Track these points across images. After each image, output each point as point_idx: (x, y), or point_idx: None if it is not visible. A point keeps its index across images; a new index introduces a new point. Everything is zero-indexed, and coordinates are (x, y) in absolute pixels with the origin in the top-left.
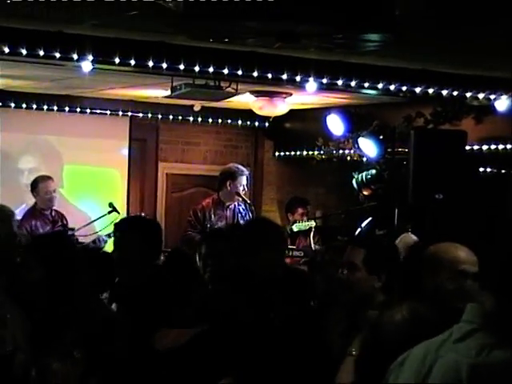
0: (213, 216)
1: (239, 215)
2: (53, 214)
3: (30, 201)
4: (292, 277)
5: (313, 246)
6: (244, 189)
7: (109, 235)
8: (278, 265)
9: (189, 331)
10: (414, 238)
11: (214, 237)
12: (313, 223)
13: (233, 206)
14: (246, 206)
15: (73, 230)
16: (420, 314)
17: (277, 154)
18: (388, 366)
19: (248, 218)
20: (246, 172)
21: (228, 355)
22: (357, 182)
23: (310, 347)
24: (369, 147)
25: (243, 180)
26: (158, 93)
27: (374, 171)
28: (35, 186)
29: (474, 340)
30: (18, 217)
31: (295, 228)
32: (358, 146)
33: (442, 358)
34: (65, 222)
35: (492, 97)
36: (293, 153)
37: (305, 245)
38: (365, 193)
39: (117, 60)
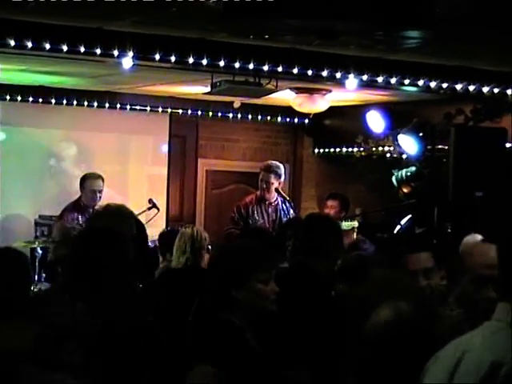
0: (255, 213)
1: (282, 212)
2: (94, 209)
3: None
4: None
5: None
6: (266, 186)
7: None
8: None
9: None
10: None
11: (250, 235)
12: (356, 223)
13: (275, 203)
14: (286, 202)
15: None
16: (403, 314)
17: (316, 150)
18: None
19: (290, 215)
20: (273, 168)
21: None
22: (396, 180)
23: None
24: (409, 144)
25: (265, 176)
26: (197, 89)
27: (413, 168)
28: (83, 181)
29: (500, 338)
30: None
31: None
32: (398, 144)
33: (468, 353)
34: None
35: None
36: (332, 150)
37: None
38: (404, 190)
39: (157, 56)
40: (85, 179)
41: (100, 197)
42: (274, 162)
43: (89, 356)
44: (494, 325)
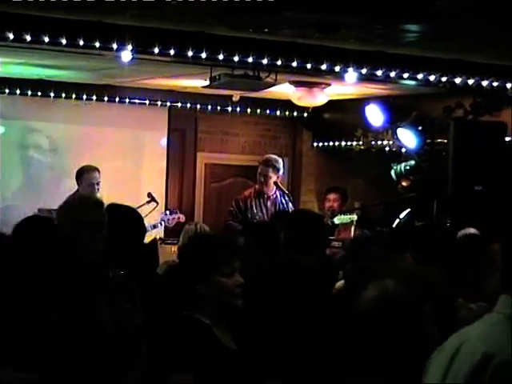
0: (254, 206)
1: (280, 206)
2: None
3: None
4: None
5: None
6: (264, 180)
7: (154, 226)
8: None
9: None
10: (474, 232)
11: (252, 230)
12: (354, 216)
13: (274, 196)
14: (284, 196)
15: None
16: (389, 292)
17: (315, 144)
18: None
19: (289, 209)
20: (271, 161)
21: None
22: (396, 173)
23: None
24: (408, 138)
25: (263, 170)
26: (196, 83)
27: (413, 162)
28: (79, 175)
29: (497, 329)
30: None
31: (337, 220)
32: (397, 137)
33: (464, 343)
34: None
35: None
36: (331, 143)
37: (344, 236)
38: (404, 184)
39: (156, 50)
40: (81, 173)
41: (98, 189)
42: (272, 155)
43: (37, 349)
44: (494, 316)
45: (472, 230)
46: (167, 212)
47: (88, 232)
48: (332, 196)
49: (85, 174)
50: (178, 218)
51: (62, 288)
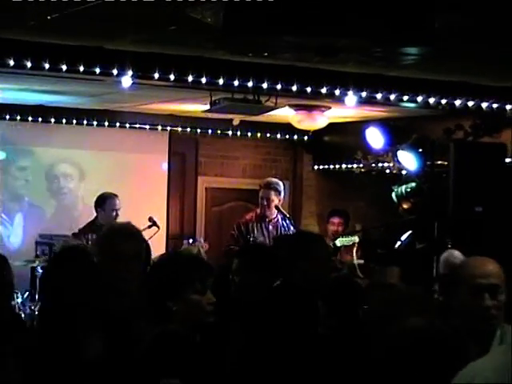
0: (256, 230)
1: (282, 229)
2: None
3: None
4: (341, 287)
5: (355, 261)
6: (267, 203)
7: None
8: (322, 276)
9: None
10: (457, 254)
11: (247, 251)
12: (356, 238)
13: (275, 220)
14: (286, 219)
15: None
16: (434, 325)
17: (316, 167)
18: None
19: (290, 232)
20: (273, 184)
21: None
22: (396, 195)
23: (355, 358)
24: (408, 160)
25: (265, 193)
26: (197, 107)
27: (413, 184)
28: (102, 202)
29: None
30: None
31: (338, 243)
32: (398, 159)
33: (476, 377)
34: None
35: None
36: (332, 166)
37: (346, 259)
38: (404, 206)
39: (156, 75)
40: (105, 199)
41: (118, 215)
42: (273, 178)
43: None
44: (504, 348)
45: (456, 253)
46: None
47: (124, 263)
48: (336, 220)
49: (108, 200)
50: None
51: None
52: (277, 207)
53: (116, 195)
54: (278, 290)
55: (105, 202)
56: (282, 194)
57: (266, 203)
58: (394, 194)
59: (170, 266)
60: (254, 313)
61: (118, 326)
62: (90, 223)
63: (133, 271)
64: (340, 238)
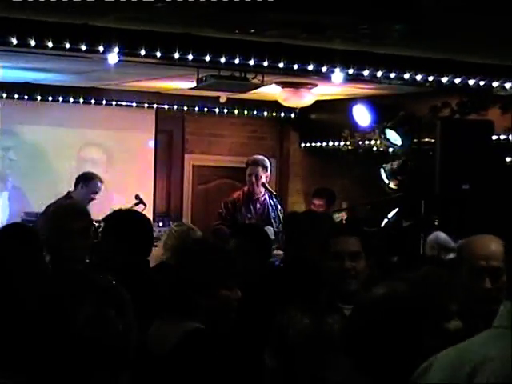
0: (243, 208)
1: (270, 207)
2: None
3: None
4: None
5: None
6: (256, 179)
7: None
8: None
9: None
10: (442, 236)
11: (244, 231)
12: (343, 215)
13: (263, 198)
14: (273, 197)
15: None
16: (397, 291)
17: (302, 145)
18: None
19: (278, 210)
20: (260, 161)
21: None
22: (385, 173)
23: None
24: (395, 138)
25: (253, 170)
26: (183, 85)
27: (400, 162)
28: (89, 180)
29: (496, 342)
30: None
31: None
32: (385, 137)
33: (486, 364)
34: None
35: None
36: (319, 144)
37: None
38: (391, 184)
39: (142, 52)
40: (92, 178)
41: (94, 199)
42: (259, 155)
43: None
44: (491, 330)
45: (442, 235)
46: None
47: (69, 240)
48: (317, 202)
49: (94, 181)
50: None
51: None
52: (264, 185)
53: (103, 181)
54: (289, 266)
55: (91, 181)
56: (269, 170)
57: (254, 180)
58: (383, 171)
59: (203, 260)
60: (262, 291)
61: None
62: (63, 198)
63: (80, 248)
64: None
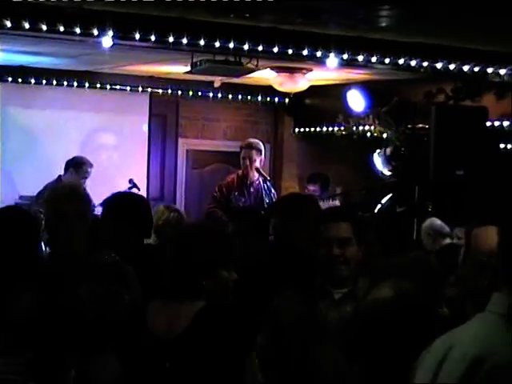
0: (237, 192)
1: (263, 192)
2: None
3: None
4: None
5: None
6: (249, 162)
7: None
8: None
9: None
10: (436, 222)
11: (241, 216)
12: (337, 202)
13: (257, 182)
14: (266, 181)
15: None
16: (405, 291)
17: (297, 130)
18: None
19: (272, 194)
20: (254, 144)
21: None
22: (379, 158)
23: None
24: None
25: (247, 153)
26: (178, 69)
27: (394, 147)
28: (79, 165)
29: (490, 331)
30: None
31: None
32: (379, 122)
33: (454, 348)
34: None
35: None
36: (313, 129)
37: None
38: (385, 169)
39: (137, 36)
40: (83, 163)
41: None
42: (253, 139)
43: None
44: (487, 317)
45: (437, 221)
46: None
47: (64, 224)
48: (311, 187)
49: (85, 166)
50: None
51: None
52: (257, 169)
53: (92, 164)
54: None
55: (82, 166)
56: (263, 154)
57: (248, 163)
58: (378, 157)
59: (205, 242)
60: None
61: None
62: (53, 183)
63: (75, 231)
64: (322, 203)
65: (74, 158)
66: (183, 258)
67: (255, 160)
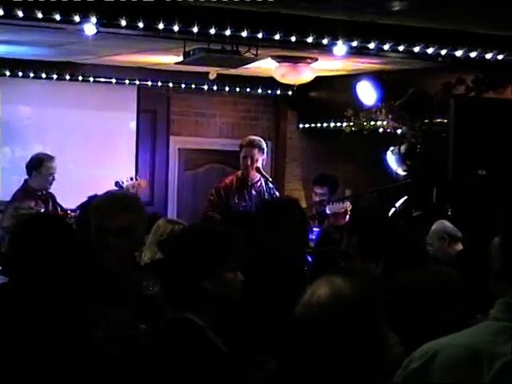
0: (236, 196)
1: (266, 194)
2: (44, 193)
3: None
4: None
5: None
6: (251, 163)
7: None
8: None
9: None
10: (449, 225)
11: (235, 221)
12: (349, 205)
13: (259, 184)
14: (269, 183)
15: (74, 211)
16: (342, 292)
17: (301, 126)
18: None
19: (275, 197)
20: (256, 142)
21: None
22: (393, 157)
23: None
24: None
25: (248, 152)
26: (168, 59)
27: (409, 145)
28: (38, 164)
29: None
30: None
31: (329, 210)
32: (392, 117)
33: (444, 350)
34: (57, 203)
35: None
36: (319, 125)
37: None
38: (399, 169)
39: (123, 22)
40: (41, 161)
41: (54, 179)
42: (254, 136)
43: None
44: (494, 325)
45: (448, 224)
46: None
47: (106, 238)
48: (318, 190)
49: (45, 163)
50: (138, 183)
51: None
52: (258, 170)
53: (53, 157)
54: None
55: (41, 164)
56: (265, 153)
57: (249, 163)
58: (391, 155)
59: (204, 243)
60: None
61: None
62: (24, 189)
63: (116, 248)
64: (331, 205)
65: (31, 160)
66: (182, 263)
67: (257, 160)
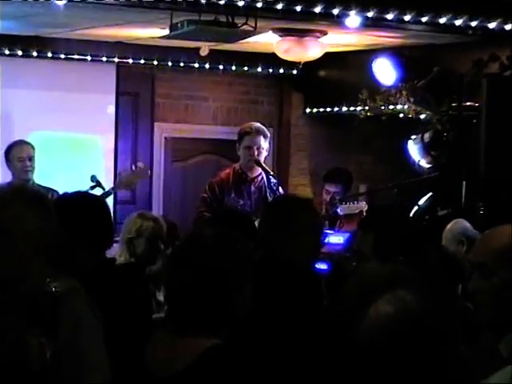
0: (233, 192)
1: (268, 190)
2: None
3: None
4: None
5: None
6: (258, 153)
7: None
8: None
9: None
10: (469, 226)
11: (225, 220)
12: (364, 205)
13: (259, 178)
14: (271, 177)
15: None
16: (410, 307)
17: (308, 110)
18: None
19: (279, 193)
20: (261, 128)
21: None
22: (415, 147)
23: None
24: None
25: (254, 141)
26: (153, 32)
27: (434, 132)
28: (8, 153)
29: None
30: None
31: (341, 211)
32: (414, 100)
33: None
34: None
35: None
36: (329, 109)
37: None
38: (423, 161)
39: None
40: (9, 149)
41: (32, 166)
42: (256, 123)
43: None
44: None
45: (469, 225)
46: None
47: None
48: (332, 189)
49: (14, 150)
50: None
51: None
52: (258, 162)
53: (26, 142)
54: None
55: (10, 151)
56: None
57: (255, 153)
58: (413, 145)
59: (227, 254)
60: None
61: None
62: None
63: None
64: (344, 205)
65: (5, 151)
66: (207, 279)
67: (263, 149)
